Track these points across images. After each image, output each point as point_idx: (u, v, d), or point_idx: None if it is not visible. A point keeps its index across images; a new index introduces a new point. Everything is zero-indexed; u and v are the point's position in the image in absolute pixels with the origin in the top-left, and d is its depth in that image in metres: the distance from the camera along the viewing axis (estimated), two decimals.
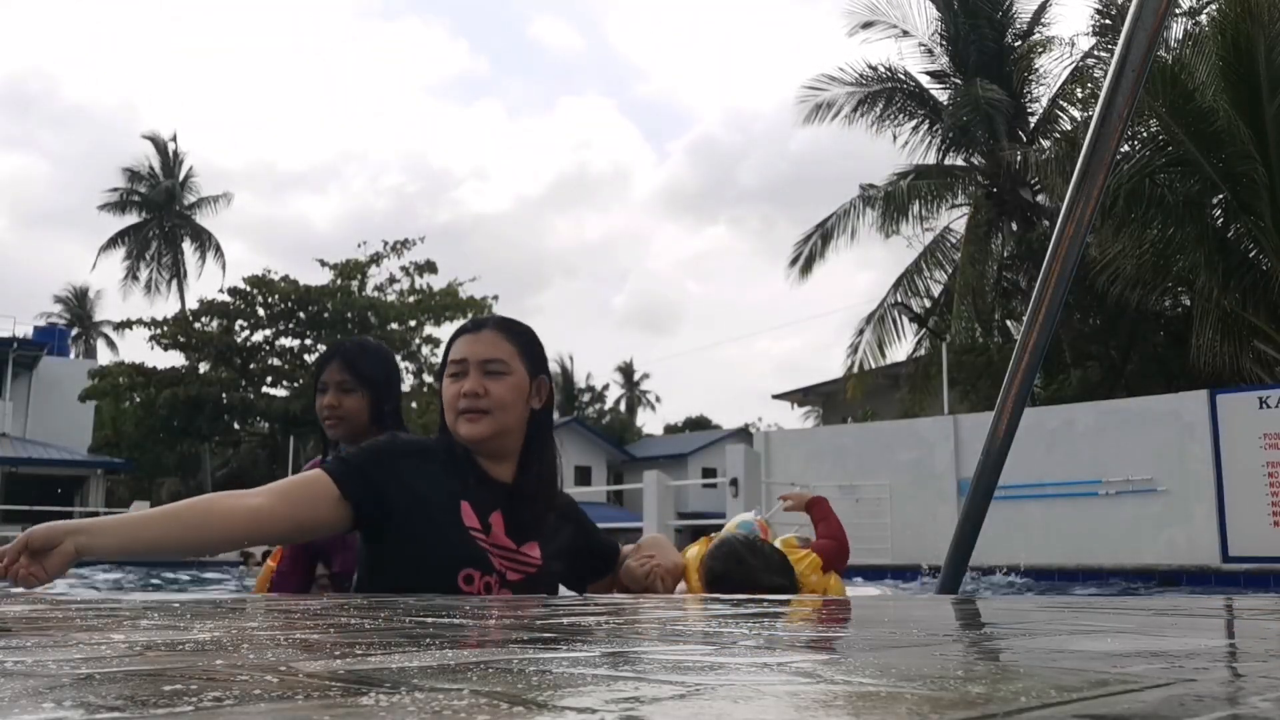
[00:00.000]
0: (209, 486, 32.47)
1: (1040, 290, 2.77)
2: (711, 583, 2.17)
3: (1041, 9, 19.15)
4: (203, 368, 29.54)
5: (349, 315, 28.98)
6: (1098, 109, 2.66)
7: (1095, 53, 17.57)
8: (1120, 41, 2.59)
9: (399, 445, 2.06)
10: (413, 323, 29.06)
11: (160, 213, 39.98)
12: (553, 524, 2.16)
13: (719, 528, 2.76)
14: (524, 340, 2.14)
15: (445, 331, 28.41)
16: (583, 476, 40.43)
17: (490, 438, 2.06)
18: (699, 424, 54.29)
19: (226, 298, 29.46)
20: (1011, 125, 18.63)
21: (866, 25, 19.20)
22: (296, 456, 26.92)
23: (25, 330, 33.55)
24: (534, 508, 2.11)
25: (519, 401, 2.08)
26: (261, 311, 29.42)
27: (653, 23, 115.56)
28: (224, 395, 29.18)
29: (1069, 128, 17.82)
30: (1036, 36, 19.19)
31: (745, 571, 2.15)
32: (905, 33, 19.29)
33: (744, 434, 36.77)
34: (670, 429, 55.25)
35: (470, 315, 25.60)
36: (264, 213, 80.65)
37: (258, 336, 29.99)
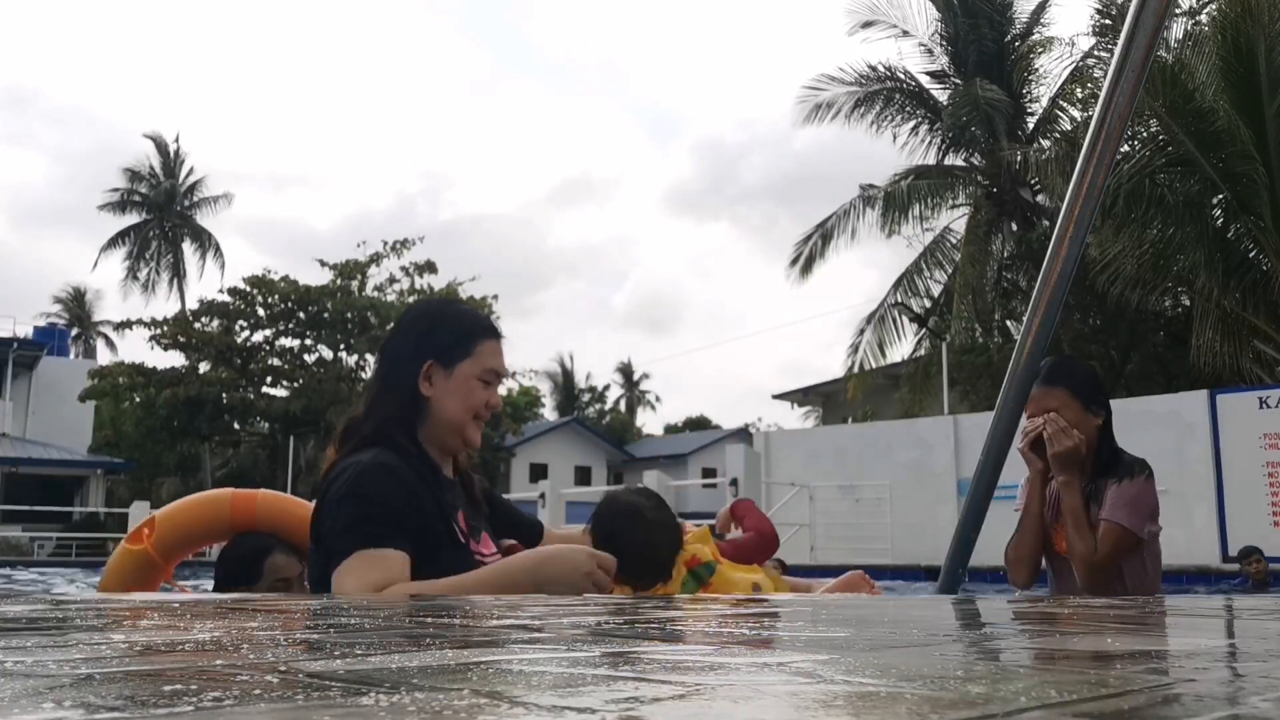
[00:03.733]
0: (209, 486, 32.40)
1: (1040, 290, 2.77)
2: (592, 525, 2.18)
3: (1041, 9, 19.17)
4: (203, 368, 29.53)
5: (349, 315, 28.98)
6: (1098, 109, 2.66)
7: (1095, 53, 17.58)
8: (1120, 42, 2.59)
9: (397, 474, 1.95)
10: None
11: (160, 213, 40.01)
12: (482, 510, 2.20)
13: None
14: None
15: None
16: (583, 476, 40.42)
17: None
18: (699, 424, 54.30)
19: (226, 298, 29.46)
20: (1011, 125, 18.63)
21: (867, 25, 19.23)
22: (296, 457, 26.92)
23: (25, 330, 33.57)
24: (474, 499, 2.14)
25: None
26: (261, 311, 29.42)
27: (655, 22, 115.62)
28: (224, 395, 29.18)
29: (1069, 128, 17.82)
30: (1036, 36, 19.21)
31: (612, 533, 2.14)
32: (905, 33, 19.31)
33: (744, 434, 36.75)
34: (670, 429, 55.26)
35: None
36: (264, 213, 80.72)
37: (258, 336, 30.00)
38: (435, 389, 2.04)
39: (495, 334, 2.13)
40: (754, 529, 2.42)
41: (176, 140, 41.17)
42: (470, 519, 2.07)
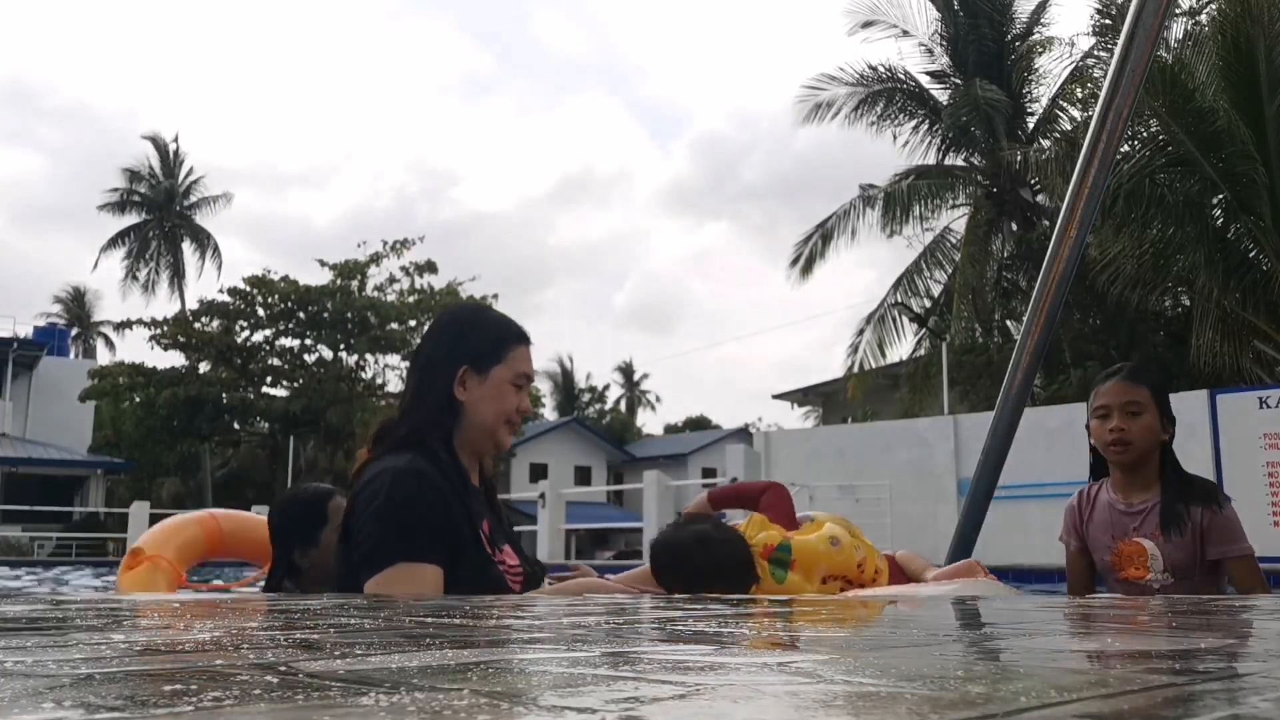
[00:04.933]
0: (209, 486, 32.45)
1: (1040, 290, 2.78)
2: (660, 573, 2.16)
3: (1041, 9, 19.17)
4: (203, 368, 29.52)
5: (349, 315, 28.96)
6: (1098, 109, 2.67)
7: (1095, 53, 17.57)
8: (1120, 42, 2.59)
9: (431, 481, 1.96)
10: (413, 323, 29.06)
11: (160, 213, 40.00)
12: (503, 520, 2.21)
13: None
14: None
15: None
16: (583, 476, 40.43)
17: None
18: (699, 424, 54.30)
19: (226, 298, 29.45)
20: (1011, 125, 18.62)
21: (867, 25, 19.23)
22: (296, 457, 26.91)
23: (25, 330, 33.58)
24: (495, 508, 2.15)
25: None
26: (261, 311, 29.40)
27: (656, 21, 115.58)
28: (224, 395, 29.17)
29: (1069, 128, 17.81)
30: (1036, 36, 19.21)
31: (692, 569, 2.12)
32: (905, 33, 19.30)
33: (744, 434, 36.76)
34: (670, 429, 55.26)
35: None
36: (264, 212, 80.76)
37: (258, 336, 29.98)
38: (469, 393, 2.07)
39: (526, 339, 2.18)
40: (765, 490, 2.44)
41: (175, 140, 41.21)
42: (493, 528, 2.08)
